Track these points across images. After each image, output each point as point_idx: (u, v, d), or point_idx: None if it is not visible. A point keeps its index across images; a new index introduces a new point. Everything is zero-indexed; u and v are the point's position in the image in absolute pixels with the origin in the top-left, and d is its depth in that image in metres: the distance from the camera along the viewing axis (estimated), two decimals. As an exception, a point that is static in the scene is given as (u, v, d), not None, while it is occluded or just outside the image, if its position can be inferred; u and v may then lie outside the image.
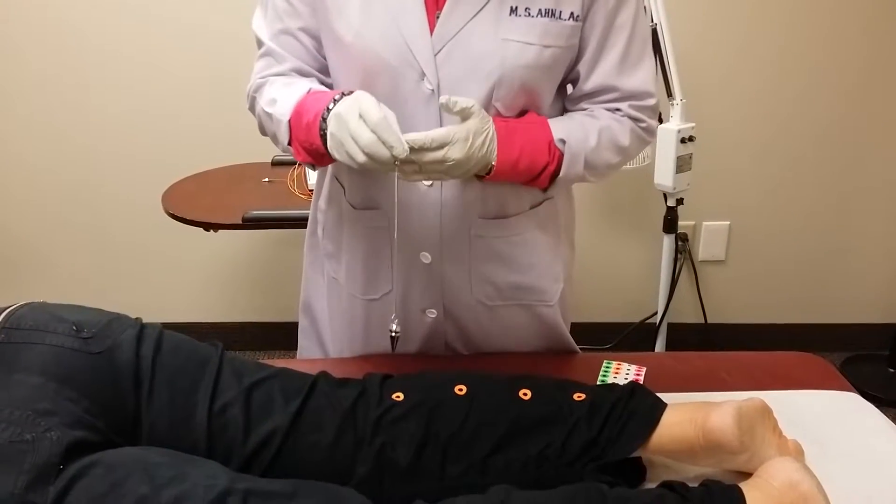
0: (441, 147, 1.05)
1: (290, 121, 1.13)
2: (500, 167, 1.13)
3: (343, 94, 1.06)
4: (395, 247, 1.19)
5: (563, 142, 1.17)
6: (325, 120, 1.06)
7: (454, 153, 1.05)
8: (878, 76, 2.52)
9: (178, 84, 2.53)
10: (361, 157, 1.00)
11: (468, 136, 1.07)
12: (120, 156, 2.61)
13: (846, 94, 2.54)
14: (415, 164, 1.04)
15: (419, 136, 1.03)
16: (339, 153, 1.03)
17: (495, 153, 1.12)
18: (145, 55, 2.49)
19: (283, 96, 1.15)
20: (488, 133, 1.10)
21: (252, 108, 1.24)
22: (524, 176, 1.18)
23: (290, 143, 1.15)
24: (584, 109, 1.23)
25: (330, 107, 1.05)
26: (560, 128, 1.19)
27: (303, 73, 1.21)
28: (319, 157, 1.12)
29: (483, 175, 1.15)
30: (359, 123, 1.00)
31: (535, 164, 1.17)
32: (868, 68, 2.51)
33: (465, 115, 1.07)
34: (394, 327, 1.16)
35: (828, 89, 2.53)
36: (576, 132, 1.19)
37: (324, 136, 1.06)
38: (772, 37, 2.47)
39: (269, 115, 1.16)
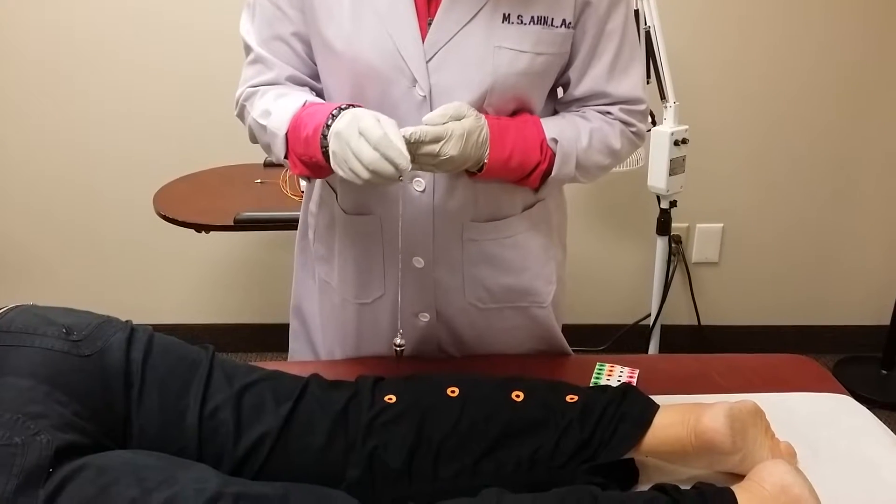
0: (436, 142, 1.05)
1: (286, 134, 1.12)
2: (492, 164, 1.13)
3: (340, 109, 1.05)
4: (399, 253, 1.19)
5: (556, 141, 1.17)
6: (325, 137, 1.05)
7: (449, 149, 1.05)
8: (872, 79, 2.53)
9: (170, 85, 2.52)
10: (366, 175, 0.99)
11: (463, 133, 1.07)
12: (111, 156, 2.60)
13: (839, 96, 2.54)
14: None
15: (416, 130, 1.03)
16: (342, 171, 1.02)
17: (488, 151, 1.12)
18: (137, 56, 2.49)
19: (278, 108, 1.14)
20: (482, 130, 1.10)
21: (241, 116, 1.23)
22: (515, 174, 1.18)
23: (286, 157, 1.14)
24: (576, 111, 1.24)
25: (329, 122, 1.04)
26: (552, 127, 1.19)
27: (294, 80, 1.20)
28: (318, 169, 1.11)
29: (474, 172, 1.15)
30: (360, 141, 0.99)
31: (526, 162, 1.17)
32: (862, 71, 2.52)
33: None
34: (398, 340, 1.16)
35: (821, 92, 2.54)
36: (568, 132, 1.19)
37: (325, 152, 1.05)
38: (765, 40, 2.48)
39: (263, 127, 1.15)
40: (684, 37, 2.38)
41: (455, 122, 1.07)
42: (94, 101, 2.54)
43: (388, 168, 0.98)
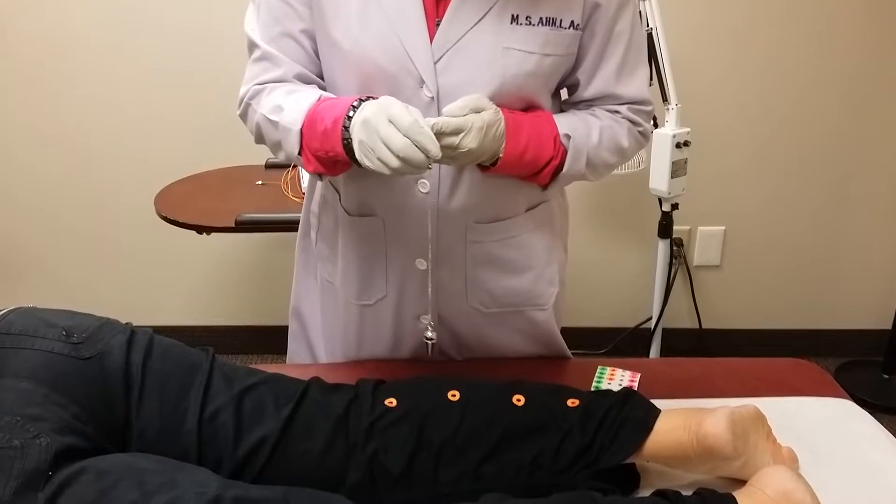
0: (457, 133, 1.04)
1: (301, 129, 1.10)
2: (507, 158, 1.13)
3: (361, 101, 1.04)
4: (429, 243, 1.18)
5: (568, 137, 1.17)
6: (346, 129, 1.04)
7: (469, 142, 1.04)
8: (873, 81, 2.52)
9: (172, 86, 2.52)
10: (395, 163, 0.98)
11: (483, 126, 1.06)
12: (113, 158, 2.60)
13: (841, 99, 2.54)
14: None
15: (438, 121, 1.02)
16: (369, 160, 1.00)
17: (504, 144, 1.11)
18: (138, 57, 2.49)
19: (290, 104, 1.12)
20: (500, 124, 1.10)
21: (244, 115, 1.21)
22: (529, 168, 1.17)
23: (299, 153, 1.13)
24: (585, 109, 1.24)
25: (350, 114, 1.03)
26: (564, 123, 1.19)
27: (302, 78, 1.18)
28: (333, 165, 1.10)
29: (487, 166, 1.14)
30: (389, 128, 0.98)
31: (540, 156, 1.16)
32: (863, 73, 2.51)
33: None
34: (429, 333, 1.16)
35: (822, 94, 2.54)
36: (580, 128, 1.19)
37: (346, 144, 1.04)
38: (766, 42, 2.47)
39: (275, 124, 1.13)
40: (686, 39, 2.38)
41: (475, 115, 1.06)
42: (95, 102, 2.54)
43: (418, 155, 0.97)
